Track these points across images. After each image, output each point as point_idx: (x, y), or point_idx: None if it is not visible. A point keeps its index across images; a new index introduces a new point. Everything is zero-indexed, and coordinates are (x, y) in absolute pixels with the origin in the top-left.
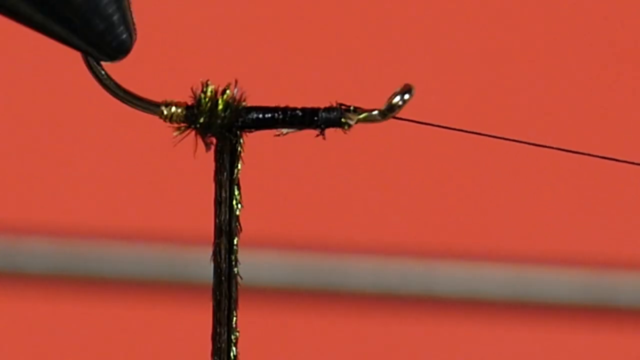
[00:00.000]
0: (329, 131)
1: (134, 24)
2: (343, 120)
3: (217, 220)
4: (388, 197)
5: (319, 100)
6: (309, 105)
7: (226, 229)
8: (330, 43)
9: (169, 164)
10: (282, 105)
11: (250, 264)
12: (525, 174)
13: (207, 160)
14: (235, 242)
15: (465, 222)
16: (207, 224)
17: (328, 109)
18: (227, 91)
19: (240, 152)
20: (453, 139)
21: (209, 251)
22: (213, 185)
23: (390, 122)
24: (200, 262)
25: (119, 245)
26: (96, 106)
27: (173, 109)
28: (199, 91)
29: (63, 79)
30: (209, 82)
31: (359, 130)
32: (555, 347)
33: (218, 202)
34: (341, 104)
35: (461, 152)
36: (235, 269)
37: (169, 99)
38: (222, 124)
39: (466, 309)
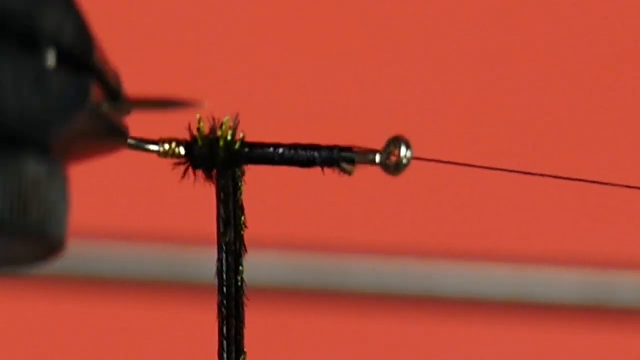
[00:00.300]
0: (330, 130)
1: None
2: (341, 169)
3: (221, 241)
4: (388, 197)
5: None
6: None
7: (231, 249)
8: (331, 49)
9: (169, 163)
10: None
11: (251, 264)
12: (525, 174)
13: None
14: (241, 262)
15: (465, 222)
16: (207, 224)
17: (326, 151)
18: (224, 127)
19: (242, 177)
20: (453, 139)
21: (209, 251)
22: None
23: (390, 120)
24: (201, 262)
25: (119, 245)
26: None
27: (171, 146)
28: (195, 126)
29: None
30: (201, 121)
31: (359, 129)
32: (555, 347)
33: (223, 223)
34: (340, 147)
35: (461, 152)
36: (242, 290)
37: (165, 137)
38: (220, 161)
39: (466, 309)
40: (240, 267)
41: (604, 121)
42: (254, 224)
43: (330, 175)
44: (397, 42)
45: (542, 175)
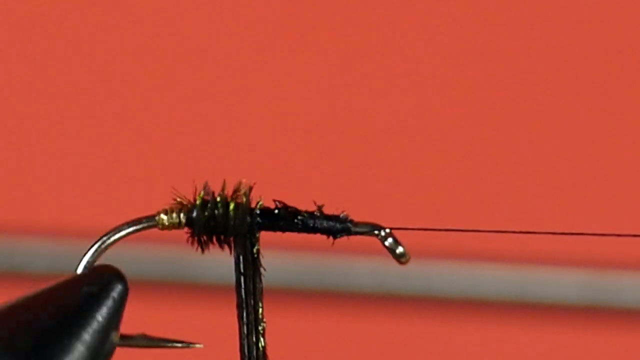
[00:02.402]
0: (330, 130)
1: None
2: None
3: (241, 313)
4: (388, 197)
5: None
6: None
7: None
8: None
9: (170, 163)
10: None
11: None
12: (525, 174)
13: (208, 159)
14: (260, 334)
15: (465, 223)
16: None
17: (329, 219)
18: (219, 196)
19: (258, 242)
20: (453, 139)
21: (209, 251)
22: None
23: (390, 122)
24: (201, 263)
25: (119, 245)
26: (96, 106)
27: (168, 220)
28: (202, 193)
29: (63, 79)
30: (206, 186)
31: (359, 130)
32: (555, 347)
33: (243, 294)
34: (342, 219)
35: (461, 152)
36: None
37: (161, 210)
38: (236, 228)
39: (466, 309)
40: (260, 343)
41: (604, 119)
42: None
43: (330, 175)
44: (397, 43)
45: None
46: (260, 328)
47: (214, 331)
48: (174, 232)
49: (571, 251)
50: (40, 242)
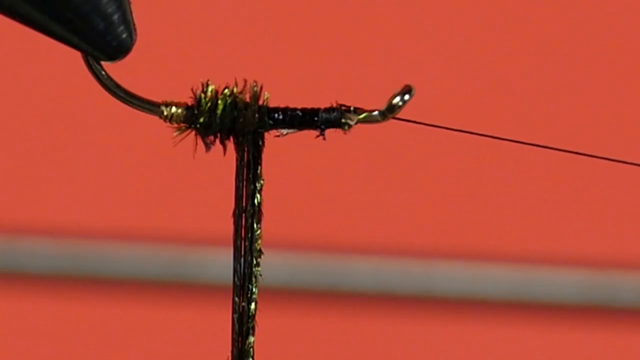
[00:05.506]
0: (330, 131)
1: (134, 23)
2: (343, 120)
3: (237, 222)
4: (388, 197)
5: (320, 101)
6: (309, 106)
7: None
8: (332, 43)
9: (170, 163)
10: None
11: None
12: (525, 174)
13: (208, 159)
14: (257, 253)
15: (465, 222)
16: (207, 223)
17: (328, 110)
18: (226, 90)
19: (263, 146)
20: (453, 139)
21: (209, 251)
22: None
23: (390, 122)
24: (201, 262)
25: (119, 245)
26: (96, 105)
27: (173, 109)
28: (199, 91)
29: (63, 79)
30: (209, 82)
31: (359, 130)
32: (555, 347)
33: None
34: (341, 105)
35: (461, 152)
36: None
37: (169, 99)
38: (245, 125)
39: (466, 309)
40: (257, 261)
41: (604, 119)
42: None
43: (330, 175)
44: (397, 40)
45: (538, 145)
46: (256, 246)
47: (214, 331)
48: (174, 232)
49: (571, 251)
50: (40, 242)
